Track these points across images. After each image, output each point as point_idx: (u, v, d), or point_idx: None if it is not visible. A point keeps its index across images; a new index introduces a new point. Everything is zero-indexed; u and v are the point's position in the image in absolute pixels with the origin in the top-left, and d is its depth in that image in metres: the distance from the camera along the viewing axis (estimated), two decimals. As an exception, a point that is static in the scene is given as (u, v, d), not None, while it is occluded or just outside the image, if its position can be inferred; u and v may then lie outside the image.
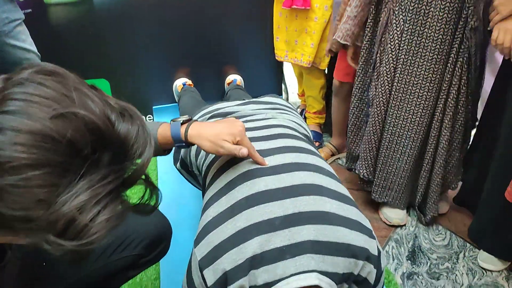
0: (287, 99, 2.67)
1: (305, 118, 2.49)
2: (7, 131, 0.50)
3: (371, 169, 1.87)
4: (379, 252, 0.99)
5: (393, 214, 1.89)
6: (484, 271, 1.67)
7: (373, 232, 1.01)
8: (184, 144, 1.05)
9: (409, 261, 1.73)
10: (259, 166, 1.06)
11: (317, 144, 2.38)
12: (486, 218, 1.66)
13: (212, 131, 1.02)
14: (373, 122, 1.77)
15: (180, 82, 2.45)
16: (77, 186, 0.53)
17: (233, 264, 0.91)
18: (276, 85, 2.61)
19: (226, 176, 1.08)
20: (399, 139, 1.75)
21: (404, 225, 1.89)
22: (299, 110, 2.64)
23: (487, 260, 1.68)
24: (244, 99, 2.15)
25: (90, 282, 1.08)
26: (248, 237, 0.93)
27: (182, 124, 1.05)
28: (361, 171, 1.88)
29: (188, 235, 1.63)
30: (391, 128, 1.74)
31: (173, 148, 1.53)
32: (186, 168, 1.46)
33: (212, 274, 0.93)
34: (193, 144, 1.05)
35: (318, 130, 2.46)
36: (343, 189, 1.07)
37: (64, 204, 0.52)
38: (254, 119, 1.31)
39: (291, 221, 0.94)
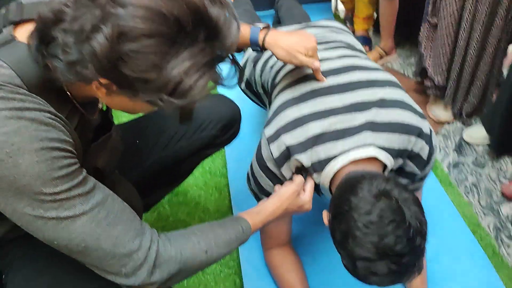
0: (336, 5, 2.69)
1: (352, 22, 2.52)
2: (128, 6, 0.62)
3: (446, 74, 1.90)
4: (430, 131, 1.12)
5: (441, 111, 1.98)
6: (528, 161, 1.77)
7: (424, 116, 1.12)
8: (259, 49, 1.14)
9: (455, 153, 1.84)
10: (323, 69, 1.18)
11: (366, 48, 2.43)
12: None
13: (288, 41, 1.10)
14: (446, 25, 1.78)
15: (231, -9, 2.50)
16: (182, 55, 0.65)
17: (295, 141, 1.07)
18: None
19: (291, 78, 1.21)
20: (471, 40, 1.76)
21: (452, 121, 1.98)
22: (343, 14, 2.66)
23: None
24: (293, 11, 2.18)
25: (176, 158, 1.26)
26: (311, 120, 1.08)
27: (261, 30, 1.13)
28: (435, 77, 1.92)
29: (249, 132, 1.80)
30: (466, 28, 1.74)
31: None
32: (250, 88, 1.60)
33: (276, 147, 1.09)
34: (266, 50, 1.14)
35: (366, 35, 2.49)
36: (394, 79, 1.19)
37: (173, 69, 0.65)
38: None
39: (349, 109, 1.09)
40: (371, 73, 1.18)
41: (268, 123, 1.16)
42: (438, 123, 1.98)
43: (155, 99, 0.68)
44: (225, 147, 1.80)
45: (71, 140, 0.74)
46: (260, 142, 1.18)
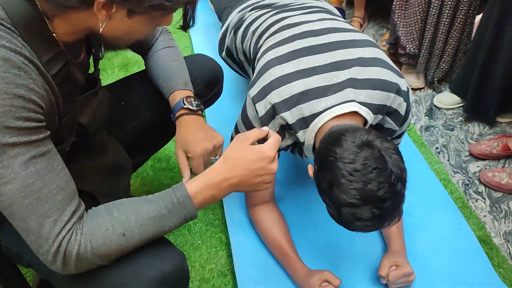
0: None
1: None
2: None
3: (417, 42, 1.98)
4: (408, 88, 1.18)
5: (412, 79, 2.06)
6: (494, 123, 1.88)
7: (401, 74, 1.19)
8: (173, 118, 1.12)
9: (426, 117, 1.93)
10: (304, 31, 1.22)
11: (340, 20, 2.48)
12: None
13: (194, 132, 1.07)
14: None
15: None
16: None
17: (280, 98, 1.11)
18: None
19: (273, 40, 1.25)
20: (444, 8, 1.85)
21: (423, 88, 2.07)
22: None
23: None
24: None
25: (161, 118, 1.27)
26: (294, 79, 1.13)
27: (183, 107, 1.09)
28: (406, 45, 2.00)
29: (229, 100, 1.83)
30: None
31: (218, 38, 1.67)
32: (231, 57, 1.61)
33: (262, 106, 1.13)
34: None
35: (340, 7, 2.55)
36: (371, 39, 1.25)
37: None
38: (293, 7, 1.42)
39: (331, 68, 1.14)
40: (349, 34, 1.23)
41: (252, 84, 1.19)
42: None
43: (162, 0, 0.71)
44: (205, 114, 1.85)
45: (40, 91, 0.71)
46: (245, 103, 1.21)
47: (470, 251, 1.33)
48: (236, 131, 1.25)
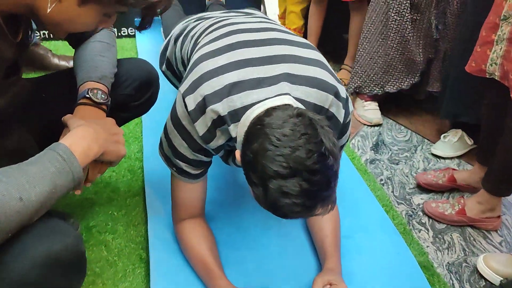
0: (264, 11, 2.77)
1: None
2: None
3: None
4: (347, 96, 1.13)
5: (371, 115, 2.05)
6: (438, 159, 1.86)
7: (340, 81, 1.14)
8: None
9: (372, 151, 1.89)
10: (242, 28, 1.18)
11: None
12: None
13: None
14: None
15: (162, -6, 2.50)
16: None
17: (211, 90, 1.03)
18: (256, 5, 2.69)
19: (209, 38, 1.20)
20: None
21: (381, 124, 2.06)
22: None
23: (440, 149, 1.86)
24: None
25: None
26: (227, 71, 1.05)
27: (85, 97, 1.05)
28: None
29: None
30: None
31: (160, 51, 1.63)
32: (171, 68, 1.56)
33: (192, 100, 1.05)
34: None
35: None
36: (313, 45, 1.21)
37: None
38: (236, 21, 1.41)
39: (267, 61, 1.07)
40: (289, 35, 1.19)
41: (183, 80, 1.12)
42: (358, 124, 2.05)
43: None
44: (143, 130, 1.75)
45: None
46: (174, 102, 1.13)
47: (410, 275, 1.23)
48: (165, 131, 1.16)
